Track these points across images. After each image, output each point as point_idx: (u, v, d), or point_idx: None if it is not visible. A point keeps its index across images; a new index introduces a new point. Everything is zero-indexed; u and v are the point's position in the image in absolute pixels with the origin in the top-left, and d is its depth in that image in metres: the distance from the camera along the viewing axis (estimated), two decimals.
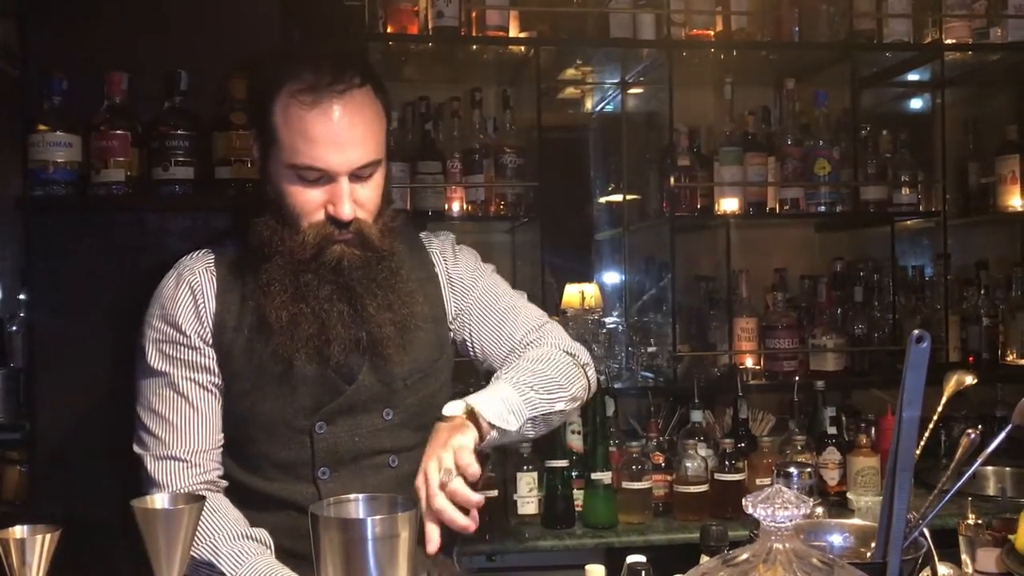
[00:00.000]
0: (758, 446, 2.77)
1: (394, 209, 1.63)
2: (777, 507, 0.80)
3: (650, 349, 3.20)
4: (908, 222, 3.33)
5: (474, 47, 2.98)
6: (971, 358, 3.23)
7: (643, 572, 1.37)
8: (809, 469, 1.13)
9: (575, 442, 2.71)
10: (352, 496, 1.09)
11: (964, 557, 1.26)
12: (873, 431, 2.86)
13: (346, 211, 1.50)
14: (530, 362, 1.64)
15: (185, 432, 1.53)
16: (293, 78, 1.50)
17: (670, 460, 2.76)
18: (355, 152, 1.50)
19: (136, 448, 1.56)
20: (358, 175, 1.52)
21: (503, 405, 1.51)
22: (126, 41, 2.31)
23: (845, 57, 3.14)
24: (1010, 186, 3.22)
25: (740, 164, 3.03)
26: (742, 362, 3.13)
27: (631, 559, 1.42)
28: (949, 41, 3.12)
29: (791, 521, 0.79)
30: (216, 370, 1.56)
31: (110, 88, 2.22)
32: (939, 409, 1.08)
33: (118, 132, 2.19)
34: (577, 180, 3.48)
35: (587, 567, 1.47)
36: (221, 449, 1.58)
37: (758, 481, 2.69)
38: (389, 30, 2.89)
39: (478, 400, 1.49)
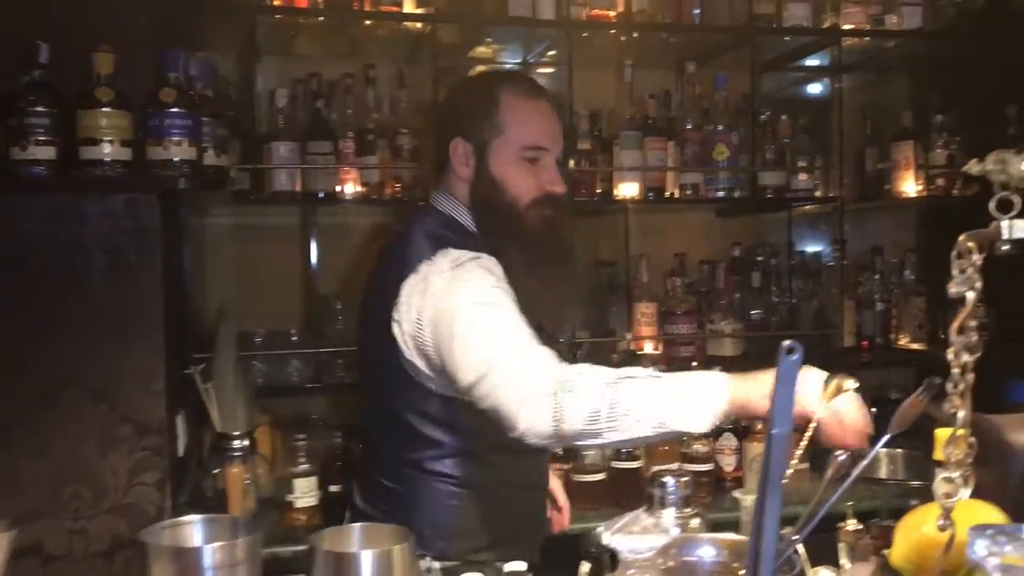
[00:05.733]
0: None
1: None
2: (635, 536, 0.74)
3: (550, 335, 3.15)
4: (806, 207, 3.34)
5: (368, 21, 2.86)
6: (865, 342, 3.27)
7: None
8: (686, 478, 1.08)
9: None
10: (189, 518, 1.00)
11: (845, 563, 1.24)
12: None
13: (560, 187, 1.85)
14: None
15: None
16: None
17: (567, 448, 2.71)
18: None
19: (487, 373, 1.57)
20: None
21: None
22: None
23: (745, 41, 3.12)
24: (904, 172, 3.25)
25: (640, 148, 2.99)
26: (641, 348, 3.10)
27: (508, 568, 1.36)
28: (847, 27, 3.12)
29: (650, 551, 0.74)
30: None
31: None
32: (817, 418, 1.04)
33: None
34: None
35: None
36: None
37: (655, 468, 2.68)
38: (277, 2, 2.75)
39: None
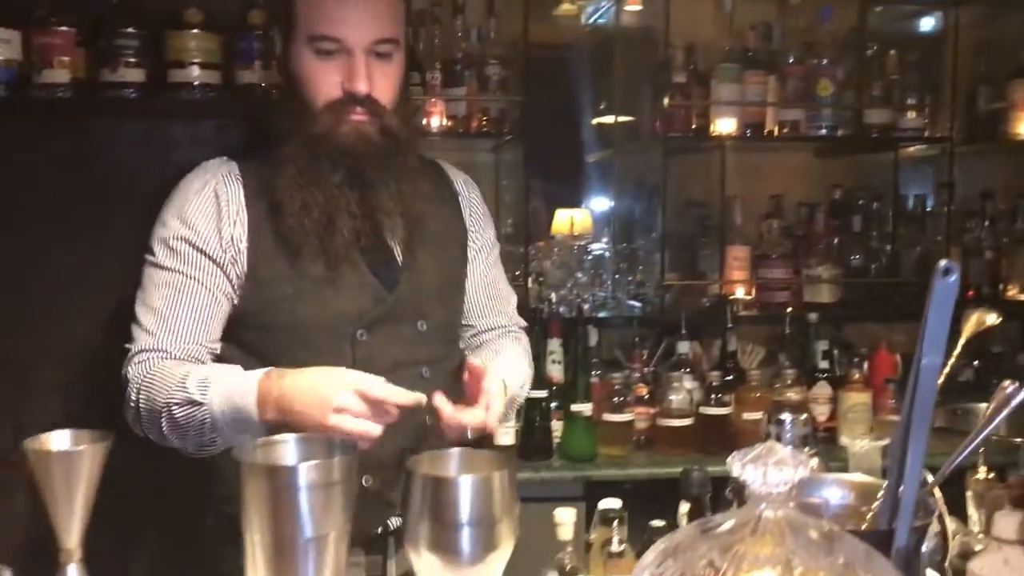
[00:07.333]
0: (746, 380, 2.65)
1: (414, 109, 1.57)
2: (770, 467, 0.66)
3: (637, 277, 3.07)
4: (911, 149, 3.16)
5: None
6: (971, 292, 3.10)
7: (616, 520, 1.25)
8: (804, 416, 1.00)
9: (555, 372, 2.60)
10: (282, 437, 0.96)
11: (972, 513, 1.14)
12: (866, 366, 2.75)
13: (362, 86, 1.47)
14: (522, 366, 1.72)
15: (179, 330, 1.48)
16: None
17: (654, 392, 2.65)
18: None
19: (128, 345, 1.50)
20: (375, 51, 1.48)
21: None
22: None
23: None
24: (1021, 112, 3.04)
25: (738, 83, 2.84)
26: (732, 292, 3.00)
27: (603, 505, 1.30)
28: None
29: (785, 485, 0.66)
30: (227, 277, 1.51)
31: None
32: (956, 352, 0.94)
33: (62, 28, 2.00)
34: (566, 98, 3.28)
35: (555, 511, 1.35)
36: (215, 349, 1.54)
37: (744, 416, 2.59)
38: None
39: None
